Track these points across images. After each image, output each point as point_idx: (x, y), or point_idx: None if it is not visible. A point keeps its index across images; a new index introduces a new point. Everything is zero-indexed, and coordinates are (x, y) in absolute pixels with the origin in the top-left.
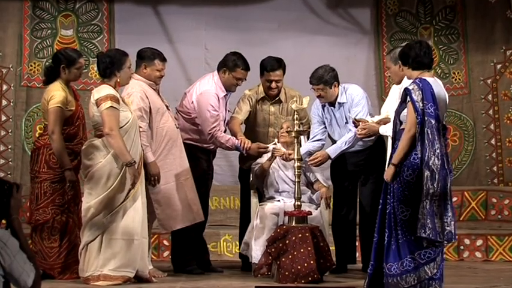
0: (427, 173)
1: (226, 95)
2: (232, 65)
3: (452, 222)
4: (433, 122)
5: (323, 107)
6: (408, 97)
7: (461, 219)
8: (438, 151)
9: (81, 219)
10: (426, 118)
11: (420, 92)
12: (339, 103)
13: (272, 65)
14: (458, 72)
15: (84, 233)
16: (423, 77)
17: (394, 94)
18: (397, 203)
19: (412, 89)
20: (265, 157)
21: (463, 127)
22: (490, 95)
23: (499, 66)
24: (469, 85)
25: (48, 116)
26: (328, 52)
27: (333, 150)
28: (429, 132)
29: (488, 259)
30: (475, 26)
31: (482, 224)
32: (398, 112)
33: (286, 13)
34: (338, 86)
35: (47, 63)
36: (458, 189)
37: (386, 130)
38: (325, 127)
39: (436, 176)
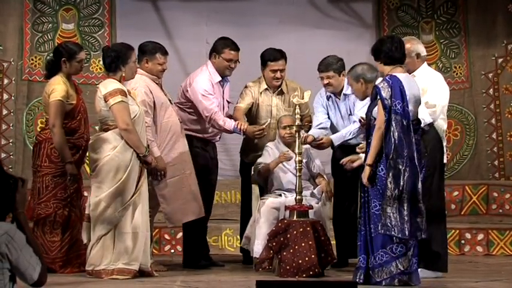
0: (390, 172)
1: (221, 80)
2: (220, 48)
3: (421, 220)
4: (399, 119)
5: (328, 98)
6: (378, 95)
7: (462, 213)
8: (405, 149)
9: (83, 214)
10: (393, 116)
11: (389, 89)
12: (345, 94)
13: (274, 55)
14: (459, 67)
15: (96, 227)
16: (394, 73)
17: None
18: (370, 197)
19: (382, 86)
20: (268, 157)
21: (464, 121)
22: (491, 89)
23: (500, 60)
24: (471, 79)
25: (49, 109)
26: (329, 46)
27: (337, 138)
28: (394, 130)
29: (490, 253)
30: (477, 20)
31: (483, 218)
32: (369, 109)
33: (287, 7)
34: (345, 76)
35: (48, 57)
36: (459, 184)
37: None
38: (329, 117)
39: (401, 175)
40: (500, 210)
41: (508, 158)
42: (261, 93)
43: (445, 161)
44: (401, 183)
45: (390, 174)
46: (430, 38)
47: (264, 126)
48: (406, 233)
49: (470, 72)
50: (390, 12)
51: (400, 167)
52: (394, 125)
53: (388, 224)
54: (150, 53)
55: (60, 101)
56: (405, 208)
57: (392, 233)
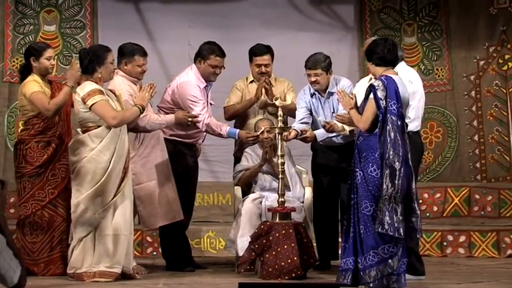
0: (387, 171)
1: (207, 86)
2: (206, 53)
3: (416, 220)
4: (395, 119)
5: (312, 95)
6: (372, 93)
7: (444, 215)
8: (400, 149)
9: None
10: (388, 116)
11: (385, 90)
12: (330, 92)
13: (260, 50)
14: (441, 69)
15: (76, 230)
16: (388, 75)
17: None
18: (361, 198)
19: (377, 85)
20: (246, 164)
21: (446, 123)
22: (473, 92)
23: (482, 62)
24: (452, 81)
25: (34, 104)
26: (311, 48)
27: (320, 134)
28: (390, 130)
29: (471, 255)
30: (458, 22)
31: (465, 220)
32: (362, 109)
33: (269, 10)
34: (331, 74)
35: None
36: (441, 186)
37: None
38: (311, 115)
39: (397, 175)
40: (482, 212)
41: (489, 160)
42: (247, 86)
43: None
44: (397, 183)
45: (386, 173)
46: (412, 40)
47: (258, 133)
48: (402, 232)
49: (452, 75)
50: (372, 15)
51: (396, 166)
52: (390, 125)
53: (385, 223)
54: (128, 54)
55: (37, 91)
56: (400, 208)
57: (389, 232)
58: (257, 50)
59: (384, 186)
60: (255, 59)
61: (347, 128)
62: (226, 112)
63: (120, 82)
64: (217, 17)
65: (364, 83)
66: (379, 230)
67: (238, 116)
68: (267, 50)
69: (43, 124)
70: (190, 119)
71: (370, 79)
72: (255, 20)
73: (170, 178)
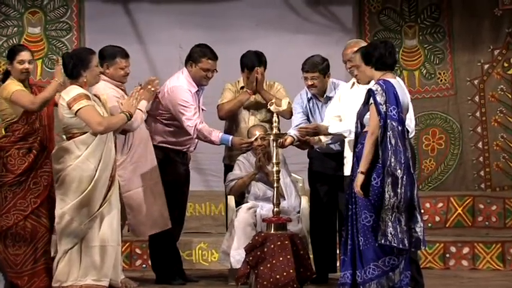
0: (388, 180)
1: (198, 90)
2: (197, 56)
3: (420, 229)
4: (395, 125)
5: (309, 100)
6: (372, 99)
7: (447, 225)
8: (402, 156)
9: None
10: (389, 121)
11: (384, 94)
12: (328, 97)
13: (252, 63)
14: (444, 73)
15: (61, 241)
16: (386, 79)
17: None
18: (360, 209)
19: (376, 90)
20: (239, 172)
21: (449, 130)
22: (477, 97)
23: (486, 66)
24: (456, 86)
25: (17, 104)
26: (309, 51)
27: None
28: (391, 136)
29: (475, 267)
30: (462, 24)
31: (468, 231)
32: (361, 115)
33: (265, 11)
34: (329, 78)
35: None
36: (444, 195)
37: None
38: (308, 120)
39: (399, 183)
40: (487, 223)
41: (494, 168)
42: (238, 90)
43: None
44: (399, 192)
45: (388, 182)
46: (413, 42)
47: (252, 139)
48: (406, 243)
49: (455, 79)
50: (372, 16)
51: (398, 174)
52: (390, 131)
53: (388, 234)
54: (109, 57)
55: (18, 90)
56: (403, 217)
57: (393, 243)
58: (249, 64)
59: (386, 196)
60: (247, 72)
61: (323, 139)
62: (220, 110)
63: (104, 87)
64: (211, 18)
65: (346, 89)
66: (382, 241)
67: (233, 114)
68: (259, 62)
69: (23, 130)
70: (154, 88)
71: (353, 84)
72: (250, 20)
73: (159, 185)
